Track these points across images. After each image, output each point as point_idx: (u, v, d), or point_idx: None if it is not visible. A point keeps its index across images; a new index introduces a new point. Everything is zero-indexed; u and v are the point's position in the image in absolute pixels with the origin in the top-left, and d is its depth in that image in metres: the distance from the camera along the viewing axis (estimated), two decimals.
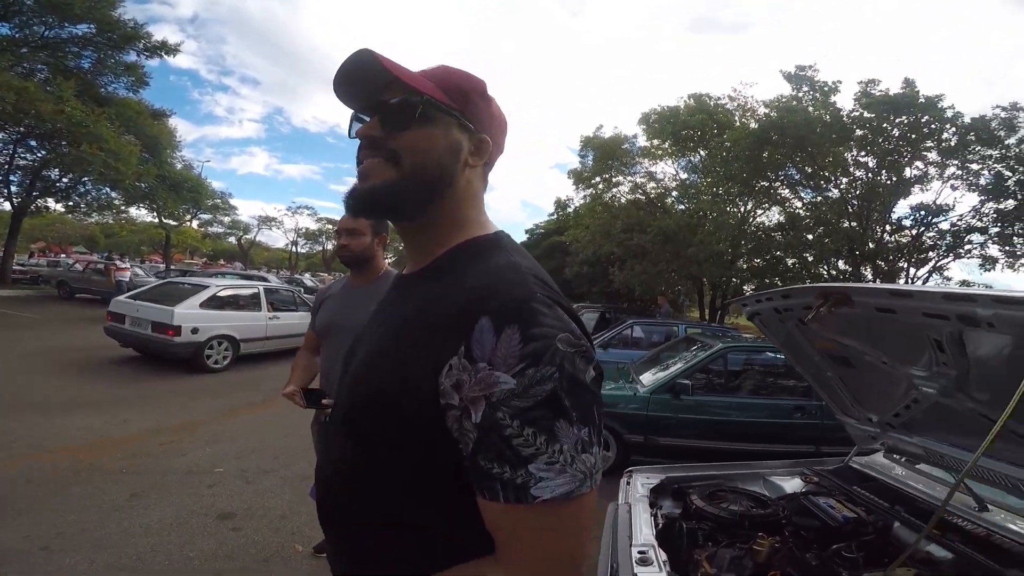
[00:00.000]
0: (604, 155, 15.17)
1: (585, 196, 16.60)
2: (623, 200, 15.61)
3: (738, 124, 12.97)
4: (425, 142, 0.59)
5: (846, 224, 10.93)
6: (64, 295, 14.47)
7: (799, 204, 12.50)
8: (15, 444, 3.58)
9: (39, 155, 15.78)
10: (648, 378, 4.27)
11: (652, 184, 15.71)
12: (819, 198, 11.83)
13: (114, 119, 14.35)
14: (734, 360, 4.77)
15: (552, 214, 22.18)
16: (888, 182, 11.00)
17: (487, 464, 0.49)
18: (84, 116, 12.84)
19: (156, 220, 22.40)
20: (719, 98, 13.90)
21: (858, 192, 11.32)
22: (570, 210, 18.75)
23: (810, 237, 11.52)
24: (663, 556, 1.29)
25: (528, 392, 0.47)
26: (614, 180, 15.71)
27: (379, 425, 0.57)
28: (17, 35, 13.88)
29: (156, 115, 17.92)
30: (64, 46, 14.60)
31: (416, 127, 0.59)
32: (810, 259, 11.84)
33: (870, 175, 11.22)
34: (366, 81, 0.61)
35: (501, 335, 0.49)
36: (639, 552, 1.32)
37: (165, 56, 15.85)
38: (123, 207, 20.04)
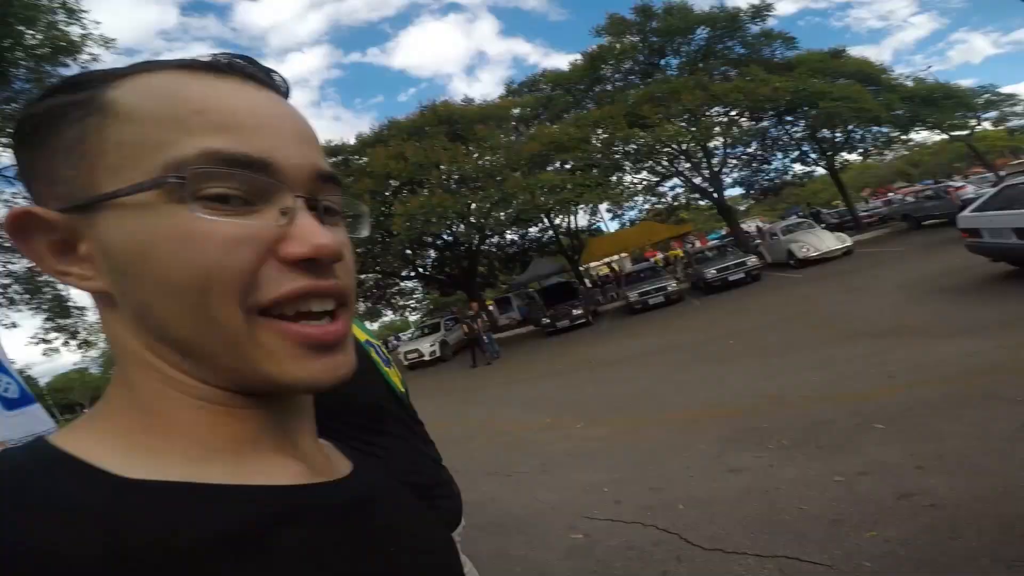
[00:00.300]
0: None
1: None
2: None
3: None
4: None
5: None
6: (912, 226, 15.64)
7: None
8: (896, 370, 4.17)
9: (800, 124, 18.81)
10: None
11: None
12: None
13: (815, 74, 16.21)
14: None
15: None
16: None
17: None
18: (796, 83, 15.07)
19: (943, 136, 22.05)
20: None
21: None
22: None
23: None
24: None
25: None
26: None
27: None
28: (684, 57, 18.73)
29: (835, 55, 18.87)
30: (714, 44, 18.26)
31: None
32: None
33: None
34: None
35: None
36: None
37: (767, 14, 17.78)
38: (900, 136, 20.35)
